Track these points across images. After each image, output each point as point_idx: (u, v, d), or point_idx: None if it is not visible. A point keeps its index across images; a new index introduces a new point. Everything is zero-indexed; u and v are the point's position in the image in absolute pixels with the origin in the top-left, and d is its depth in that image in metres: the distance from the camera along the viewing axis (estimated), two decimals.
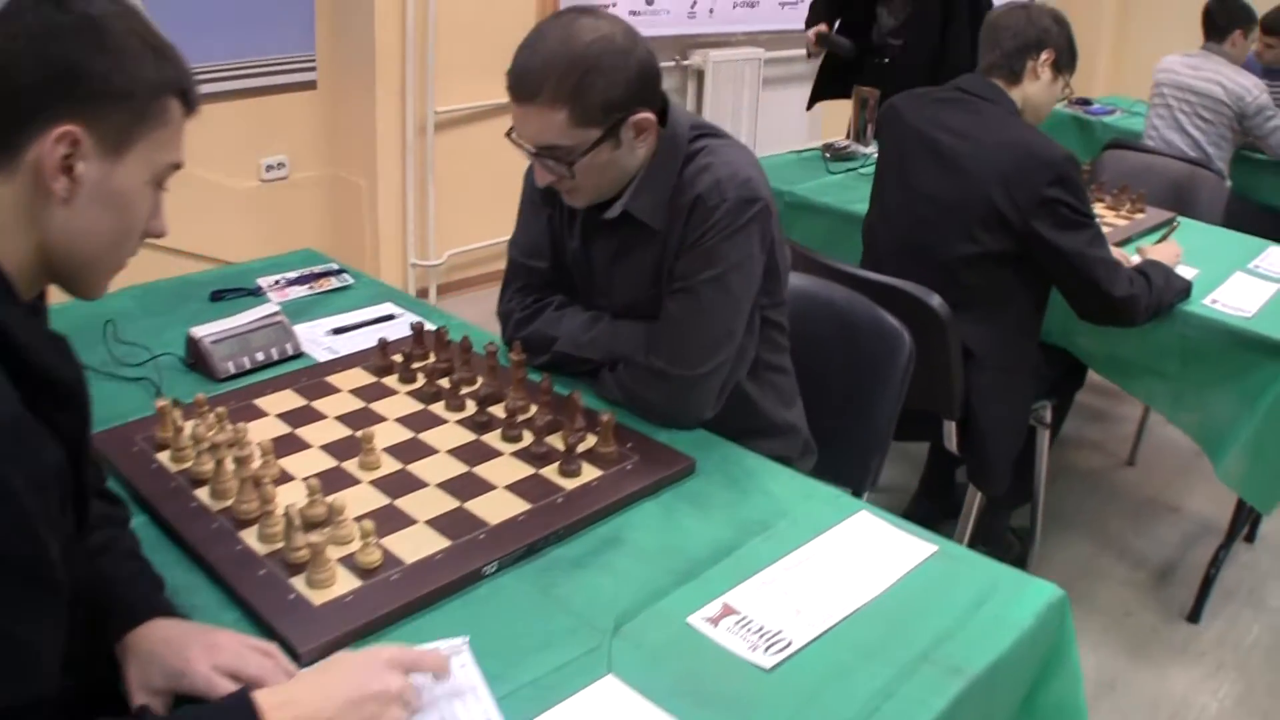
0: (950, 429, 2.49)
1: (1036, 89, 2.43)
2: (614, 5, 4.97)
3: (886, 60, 4.02)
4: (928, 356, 2.10)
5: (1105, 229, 2.81)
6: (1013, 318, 2.41)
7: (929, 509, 2.89)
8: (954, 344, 2.27)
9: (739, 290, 1.69)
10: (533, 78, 1.55)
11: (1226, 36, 4.11)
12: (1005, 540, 2.85)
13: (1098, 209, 3.04)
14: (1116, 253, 2.49)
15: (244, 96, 3.96)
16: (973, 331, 2.35)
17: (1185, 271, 2.59)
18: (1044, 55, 2.40)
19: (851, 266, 2.35)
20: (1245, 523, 2.99)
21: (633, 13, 5.05)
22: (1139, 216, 3.08)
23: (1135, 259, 2.56)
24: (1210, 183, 3.64)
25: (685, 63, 5.40)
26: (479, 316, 2.16)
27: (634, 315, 1.75)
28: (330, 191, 4.38)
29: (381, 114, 4.22)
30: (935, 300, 2.22)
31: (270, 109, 4.08)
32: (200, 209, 3.75)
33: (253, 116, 4.01)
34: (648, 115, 1.62)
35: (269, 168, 4.16)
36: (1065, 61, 2.45)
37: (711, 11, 5.39)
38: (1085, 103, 4.94)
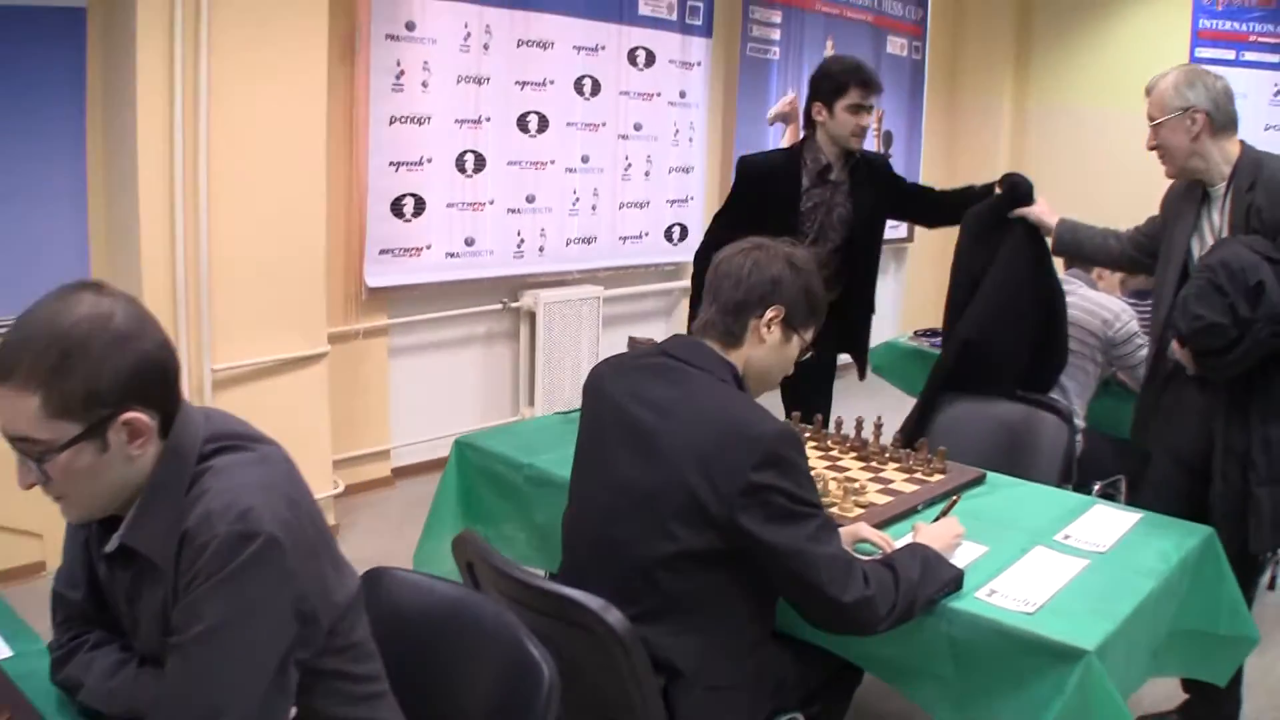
0: None
1: (762, 353, 2.05)
2: (428, 248, 4.70)
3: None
4: (614, 681, 1.77)
5: (886, 497, 2.44)
6: (725, 627, 1.93)
7: None
8: (639, 665, 1.80)
9: (241, 648, 1.29)
10: (8, 354, 1.30)
11: (1092, 267, 3.83)
12: None
13: (889, 470, 2.65)
14: (872, 534, 2.09)
15: None
16: (675, 645, 1.88)
17: (970, 551, 2.17)
18: (770, 313, 2.02)
19: (537, 577, 1.91)
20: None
21: (450, 254, 4.78)
22: (938, 478, 2.65)
23: (900, 542, 2.14)
24: (1049, 426, 3.28)
25: (515, 305, 5.10)
26: None
27: (161, 663, 1.38)
28: None
29: None
30: (613, 616, 1.77)
31: None
32: None
33: None
34: (140, 417, 1.33)
35: None
36: (800, 318, 2.06)
37: (542, 250, 5.13)
38: (931, 334, 4.64)
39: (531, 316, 5.08)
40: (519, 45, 4.90)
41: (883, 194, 3.68)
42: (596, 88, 5.23)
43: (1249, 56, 6.77)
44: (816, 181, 3.53)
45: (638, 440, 1.93)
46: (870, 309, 3.80)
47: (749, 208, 3.50)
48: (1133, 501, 2.82)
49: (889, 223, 7.40)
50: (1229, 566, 2.35)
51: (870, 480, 2.58)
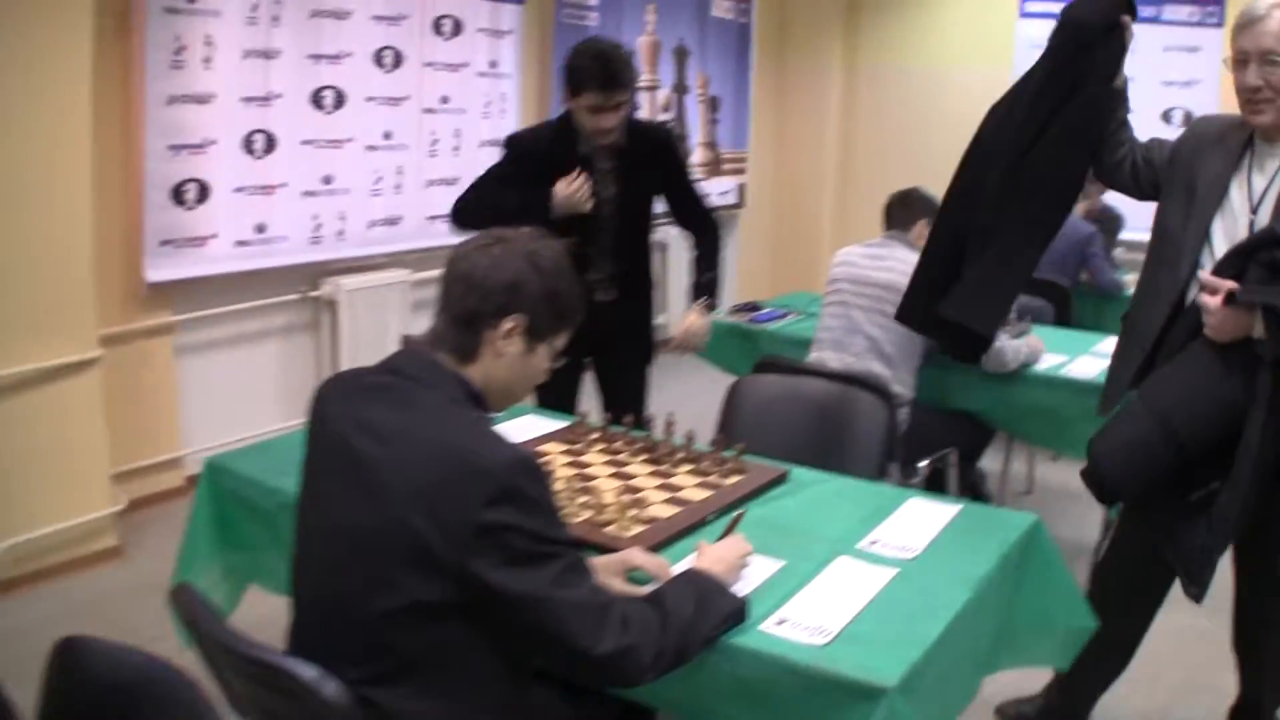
0: None
1: (501, 368, 1.77)
2: (215, 237, 4.34)
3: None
4: None
5: (672, 509, 2.23)
6: (473, 686, 1.68)
7: None
8: None
9: None
10: None
11: (911, 227, 3.68)
12: None
13: (680, 475, 2.44)
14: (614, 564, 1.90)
15: None
16: (418, 711, 1.64)
17: (762, 569, 1.96)
18: (507, 325, 1.74)
19: (246, 641, 1.65)
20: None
21: (240, 242, 4.43)
22: (734, 480, 2.40)
23: (683, 564, 1.93)
24: (865, 406, 3.12)
25: (315, 294, 4.78)
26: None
27: None
28: None
29: None
30: (329, 688, 1.53)
31: None
32: None
33: None
34: None
35: None
36: (544, 326, 1.78)
37: (342, 234, 4.81)
38: (752, 308, 4.48)
39: (333, 305, 4.77)
40: (312, 16, 4.55)
41: (656, 177, 3.39)
42: (399, 59, 4.92)
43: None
44: (584, 163, 3.26)
45: (357, 474, 1.66)
46: (647, 298, 3.54)
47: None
48: (1090, 452, 2.38)
49: (721, 188, 7.44)
50: (1058, 555, 2.20)
51: (657, 488, 2.36)
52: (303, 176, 4.62)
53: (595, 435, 2.68)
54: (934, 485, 3.61)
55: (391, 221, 5.01)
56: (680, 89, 6.51)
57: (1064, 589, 2.21)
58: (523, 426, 2.77)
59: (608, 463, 2.52)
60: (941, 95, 7.18)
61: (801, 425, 3.06)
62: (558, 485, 2.27)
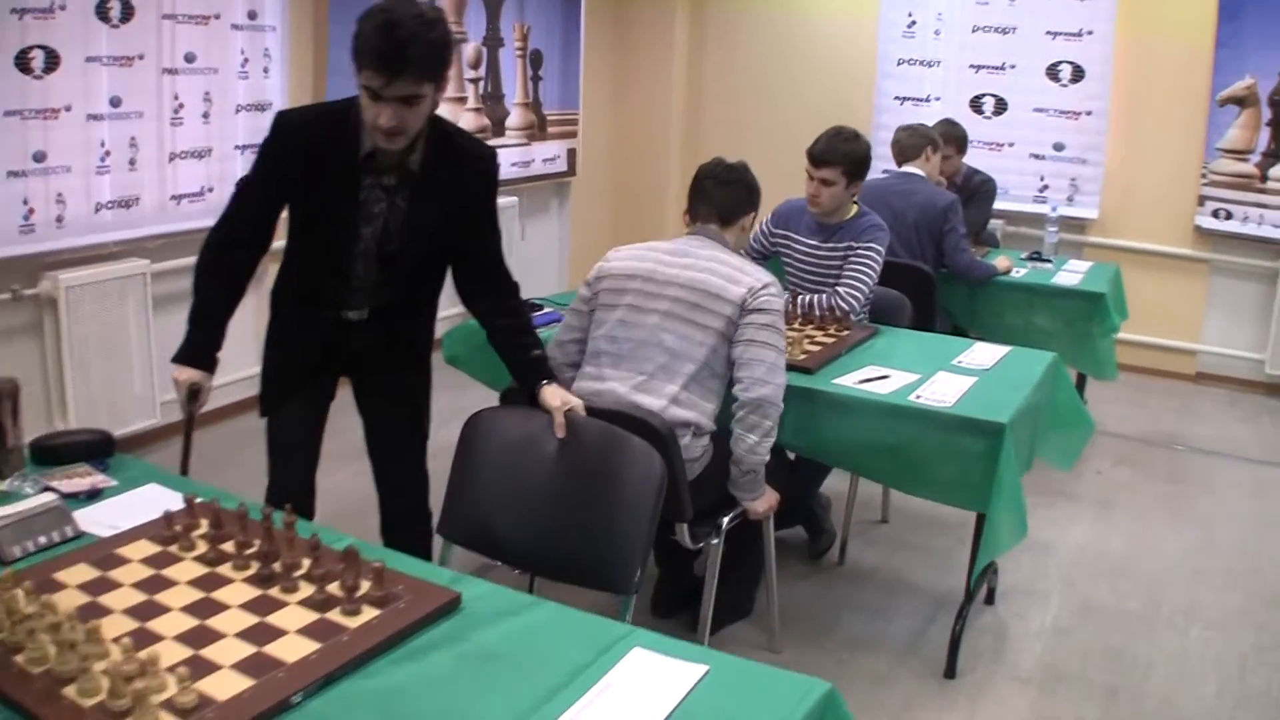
0: None
1: None
2: None
3: None
4: None
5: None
6: None
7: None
8: None
9: None
10: None
11: (735, 221, 3.23)
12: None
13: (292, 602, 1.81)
14: None
15: None
16: None
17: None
18: None
19: None
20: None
21: None
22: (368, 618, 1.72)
23: None
24: (638, 450, 2.48)
25: (31, 292, 4.05)
26: None
27: None
28: None
29: None
30: None
31: None
32: None
33: None
34: None
35: None
36: None
37: (61, 220, 4.07)
38: (531, 308, 3.84)
39: (54, 304, 4.05)
40: None
41: (458, 215, 2.54)
42: (128, 11, 4.14)
43: None
44: (360, 168, 2.44)
45: None
46: (417, 316, 2.74)
47: (287, 188, 2.48)
48: None
49: (546, 153, 6.69)
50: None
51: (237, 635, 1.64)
52: (6, 154, 3.86)
53: (201, 532, 1.94)
54: (744, 538, 3.06)
55: (125, 204, 4.27)
56: (493, 42, 5.81)
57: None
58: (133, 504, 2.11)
59: (191, 582, 1.79)
60: (805, 46, 6.62)
61: (556, 477, 2.41)
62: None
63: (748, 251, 3.82)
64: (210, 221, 2.60)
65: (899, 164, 4.65)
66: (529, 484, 2.41)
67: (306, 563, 1.79)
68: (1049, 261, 4.97)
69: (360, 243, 2.48)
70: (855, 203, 3.73)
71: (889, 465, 2.98)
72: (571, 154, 6.53)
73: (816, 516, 3.71)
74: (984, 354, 3.34)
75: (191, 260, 2.57)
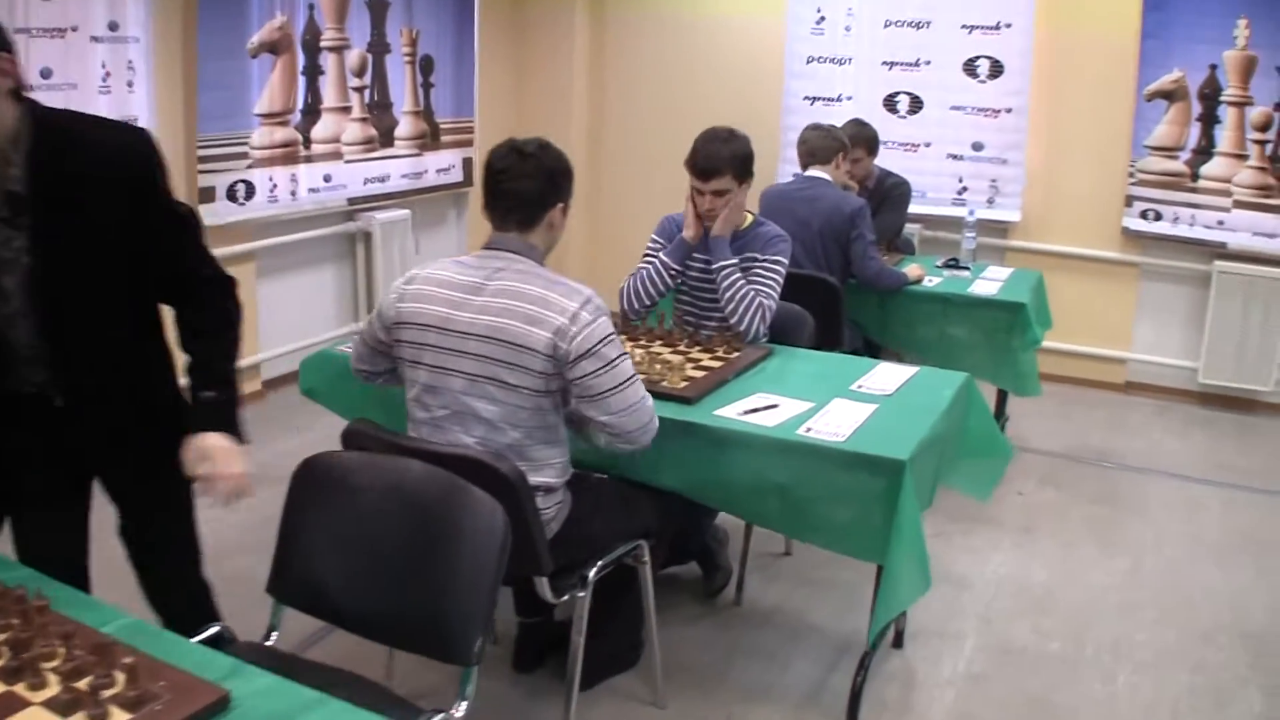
0: None
1: None
2: None
3: None
4: None
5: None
6: None
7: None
8: None
9: None
10: None
11: (534, 225, 2.78)
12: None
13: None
14: None
15: None
16: None
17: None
18: None
19: None
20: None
21: None
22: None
23: None
24: (479, 504, 2.12)
25: None
26: None
27: None
28: None
29: None
30: None
31: None
32: None
33: None
34: None
35: None
36: None
37: None
38: None
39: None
40: None
41: (110, 214, 1.96)
42: None
43: None
44: None
45: None
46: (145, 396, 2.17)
47: None
48: None
49: (440, 163, 6.25)
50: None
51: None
52: None
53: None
54: (619, 583, 2.72)
55: None
56: (379, 48, 5.43)
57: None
58: None
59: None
60: (709, 46, 6.31)
61: (392, 532, 2.03)
62: None
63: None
64: None
65: (804, 166, 4.33)
66: (364, 539, 2.04)
67: (62, 652, 1.54)
68: (966, 269, 4.68)
69: (7, 300, 1.95)
70: (749, 211, 3.37)
71: (776, 508, 2.60)
72: (468, 163, 6.14)
73: (711, 551, 3.36)
74: (887, 377, 3.00)
75: None
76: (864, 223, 4.15)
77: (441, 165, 5.97)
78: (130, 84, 4.34)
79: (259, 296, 5.03)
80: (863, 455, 2.47)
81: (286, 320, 5.26)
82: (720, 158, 3.18)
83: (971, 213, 5.10)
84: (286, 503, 2.10)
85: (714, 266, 3.25)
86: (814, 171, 4.26)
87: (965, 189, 5.74)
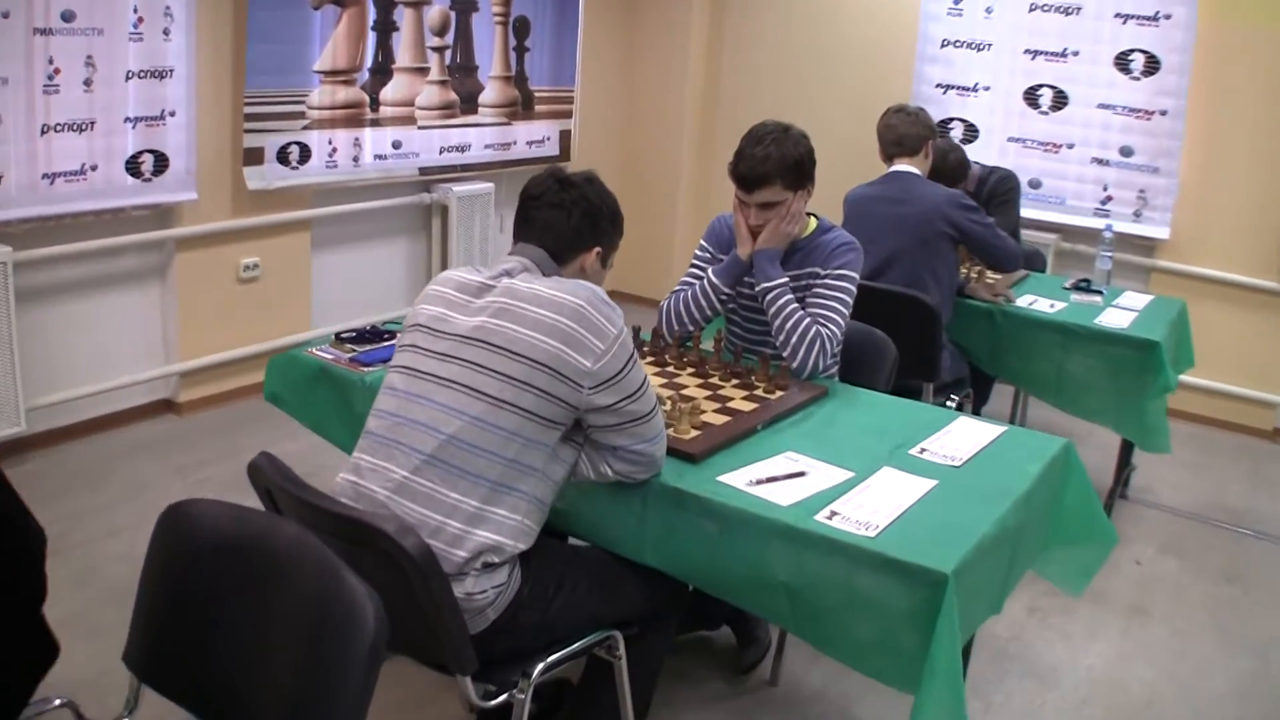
0: None
1: None
2: None
3: None
4: None
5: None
6: None
7: None
8: None
9: None
10: None
11: (578, 254, 2.40)
12: None
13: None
14: None
15: None
16: None
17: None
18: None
19: None
20: None
21: None
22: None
23: None
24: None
25: None
26: None
27: None
28: None
29: None
30: None
31: None
32: None
33: None
34: None
35: None
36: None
37: None
38: (367, 336, 3.00)
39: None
40: None
41: None
42: None
43: None
44: None
45: None
46: None
47: None
48: None
49: (531, 135, 5.79)
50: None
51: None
52: None
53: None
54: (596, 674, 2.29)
55: None
56: (464, 5, 5.04)
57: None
58: None
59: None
60: (835, 22, 5.81)
61: (258, 612, 1.60)
62: None
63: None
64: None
65: (888, 158, 3.78)
66: (228, 615, 1.63)
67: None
68: (1099, 293, 4.08)
69: None
70: (812, 214, 2.83)
71: (786, 608, 2.04)
72: (565, 136, 5.76)
73: (745, 618, 2.89)
74: (963, 438, 2.41)
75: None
76: (977, 211, 3.65)
77: (534, 137, 5.59)
78: (166, 31, 4.02)
79: (313, 269, 4.74)
80: (893, 560, 1.88)
81: (345, 297, 4.97)
82: (767, 162, 2.64)
83: (1109, 229, 4.47)
84: (147, 557, 1.71)
85: (757, 288, 2.74)
86: (901, 165, 3.73)
87: (1110, 198, 5.12)
